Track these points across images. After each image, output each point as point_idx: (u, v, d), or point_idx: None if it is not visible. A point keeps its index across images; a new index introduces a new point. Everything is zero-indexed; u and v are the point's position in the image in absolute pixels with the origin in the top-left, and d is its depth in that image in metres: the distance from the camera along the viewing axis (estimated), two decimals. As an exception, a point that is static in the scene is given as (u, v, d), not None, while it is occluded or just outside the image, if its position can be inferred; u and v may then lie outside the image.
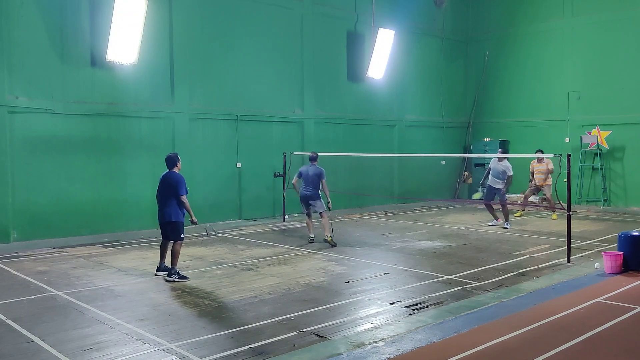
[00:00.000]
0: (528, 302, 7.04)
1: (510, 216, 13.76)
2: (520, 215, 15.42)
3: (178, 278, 8.32)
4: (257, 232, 12.95)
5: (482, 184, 14.21)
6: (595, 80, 17.57)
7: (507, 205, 13.75)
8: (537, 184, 14.97)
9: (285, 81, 15.94)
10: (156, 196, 8.67)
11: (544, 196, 15.51)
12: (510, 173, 13.30)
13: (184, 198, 8.36)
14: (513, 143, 19.44)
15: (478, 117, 20.71)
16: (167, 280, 8.32)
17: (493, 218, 13.82)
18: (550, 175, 14.86)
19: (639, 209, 16.48)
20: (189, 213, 8.43)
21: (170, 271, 8.38)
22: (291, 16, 15.92)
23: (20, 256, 10.31)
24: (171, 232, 8.48)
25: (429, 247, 11.02)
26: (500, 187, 13.40)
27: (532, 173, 15.14)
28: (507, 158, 13.71)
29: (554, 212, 15.33)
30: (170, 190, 8.39)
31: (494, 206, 13.95)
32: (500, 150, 14.57)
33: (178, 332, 6.03)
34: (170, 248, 8.54)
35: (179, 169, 8.63)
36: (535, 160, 15.04)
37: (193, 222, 8.50)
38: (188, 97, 13.94)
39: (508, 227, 13.31)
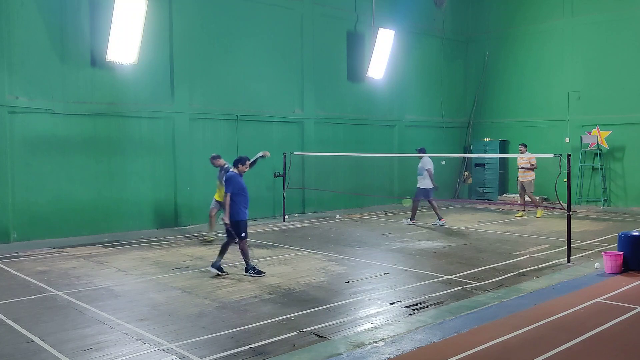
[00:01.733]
0: (528, 302, 7.03)
1: (508, 216, 13.72)
2: (522, 216, 15.45)
3: (254, 273, 8.57)
4: (257, 232, 12.94)
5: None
6: (595, 80, 17.57)
7: (435, 202, 14.24)
8: (518, 178, 15.50)
9: (285, 81, 15.93)
10: None
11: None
12: (428, 167, 13.74)
13: (227, 196, 8.53)
14: (513, 143, 19.43)
15: (478, 117, 20.71)
16: (244, 275, 8.57)
17: (437, 218, 13.91)
18: (532, 171, 15.24)
19: (639, 209, 16.47)
20: (224, 211, 8.53)
21: (247, 268, 8.66)
22: (291, 16, 15.92)
23: (20, 256, 10.31)
24: (233, 230, 8.65)
25: (429, 247, 11.02)
26: (422, 186, 13.84)
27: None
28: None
29: (537, 208, 15.53)
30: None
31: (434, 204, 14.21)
32: (417, 150, 14.47)
33: (178, 332, 6.03)
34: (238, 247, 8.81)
35: (239, 171, 8.76)
36: (519, 155, 15.48)
37: (224, 221, 8.60)
38: (188, 97, 13.94)
39: (440, 223, 13.72)
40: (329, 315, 6.59)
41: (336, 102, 17.16)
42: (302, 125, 16.27)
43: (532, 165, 15.28)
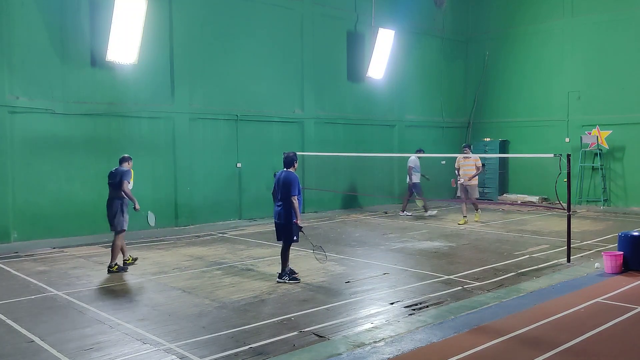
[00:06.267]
0: (528, 302, 7.03)
1: (508, 216, 13.55)
2: (471, 221, 14.22)
3: (289, 280, 8.15)
4: (257, 232, 12.94)
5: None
6: (595, 80, 17.57)
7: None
8: (464, 182, 14.12)
9: (285, 81, 15.94)
10: (272, 193, 8.55)
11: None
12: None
13: (294, 199, 8.07)
14: (513, 143, 19.45)
15: (478, 117, 20.71)
16: (277, 282, 8.14)
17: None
18: (476, 174, 14.17)
19: (639, 209, 16.47)
20: (295, 215, 8.09)
21: (282, 274, 8.21)
22: (291, 16, 15.93)
23: (20, 256, 10.31)
24: (283, 233, 8.26)
25: (429, 247, 11.02)
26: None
27: (458, 170, 14.30)
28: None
29: (477, 211, 14.54)
30: (285, 191, 8.15)
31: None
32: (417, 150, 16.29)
33: (178, 332, 6.03)
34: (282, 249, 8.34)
35: (295, 169, 8.40)
36: (462, 157, 14.16)
37: (297, 225, 8.13)
38: (188, 97, 13.94)
39: (403, 214, 16.01)
40: (329, 315, 6.59)
41: (336, 102, 17.17)
42: (302, 125, 16.27)
43: (479, 168, 14.14)
